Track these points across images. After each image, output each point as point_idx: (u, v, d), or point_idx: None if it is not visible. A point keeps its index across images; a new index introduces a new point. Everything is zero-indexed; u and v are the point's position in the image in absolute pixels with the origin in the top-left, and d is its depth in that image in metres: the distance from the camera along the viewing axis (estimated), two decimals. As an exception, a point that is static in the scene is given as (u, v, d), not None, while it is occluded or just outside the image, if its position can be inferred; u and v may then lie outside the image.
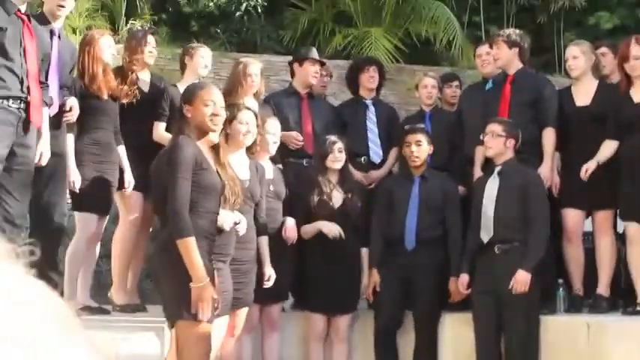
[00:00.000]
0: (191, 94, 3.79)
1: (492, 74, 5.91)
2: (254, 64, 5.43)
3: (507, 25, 9.32)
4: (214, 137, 3.79)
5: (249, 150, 4.57)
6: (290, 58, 6.37)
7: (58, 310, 0.54)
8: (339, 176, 5.22)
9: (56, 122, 4.66)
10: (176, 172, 3.54)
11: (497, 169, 5.07)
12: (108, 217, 5.22)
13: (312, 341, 5.21)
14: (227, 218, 3.79)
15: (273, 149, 4.99)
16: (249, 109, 4.58)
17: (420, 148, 5.33)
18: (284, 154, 5.50)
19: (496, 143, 5.06)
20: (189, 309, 3.51)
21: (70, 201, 5.02)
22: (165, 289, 3.68)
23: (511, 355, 4.91)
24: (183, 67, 5.48)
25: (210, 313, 3.55)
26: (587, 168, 5.14)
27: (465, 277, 5.09)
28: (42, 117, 4.38)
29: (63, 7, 4.80)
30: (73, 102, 4.77)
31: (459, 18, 9.68)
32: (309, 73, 5.81)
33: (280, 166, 5.28)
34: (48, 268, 4.70)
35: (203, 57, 5.42)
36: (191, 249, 3.48)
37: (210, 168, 3.67)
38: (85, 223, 4.96)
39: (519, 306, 4.81)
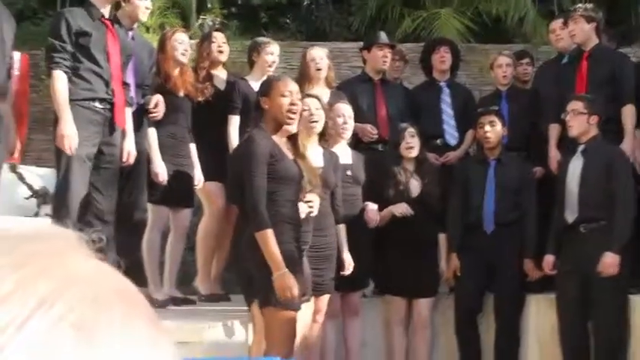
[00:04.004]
0: (268, 87, 3.86)
1: (567, 49, 5.79)
2: (316, 49, 5.45)
3: (581, -2, 9.08)
4: (292, 128, 3.84)
5: (323, 138, 4.59)
6: (360, 44, 6.36)
7: (122, 288, 0.51)
8: (415, 163, 5.20)
9: (135, 120, 4.79)
10: (251, 166, 3.62)
11: (581, 147, 4.95)
12: (191, 209, 5.33)
13: (394, 325, 5.24)
14: (300, 208, 3.84)
15: (347, 134, 4.99)
16: (311, 95, 4.60)
17: (493, 129, 5.27)
18: (359, 139, 5.52)
19: (578, 121, 4.94)
20: (274, 296, 3.60)
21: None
22: (252, 276, 3.75)
23: (599, 338, 4.82)
24: (251, 63, 5.49)
25: (294, 300, 3.62)
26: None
27: (550, 258, 5.02)
28: (125, 117, 4.55)
29: (148, 9, 4.94)
30: (158, 98, 4.89)
31: (531, -7, 9.48)
32: (378, 59, 5.80)
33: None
34: (129, 262, 4.87)
35: (271, 54, 5.40)
36: (269, 240, 3.57)
37: (286, 158, 3.73)
38: (157, 215, 5.06)
39: (607, 287, 4.70)
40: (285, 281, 3.57)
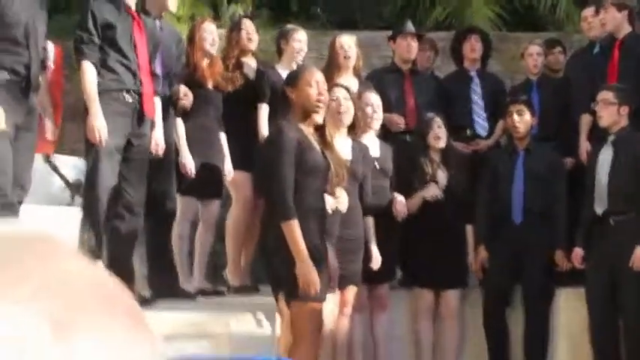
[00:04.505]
0: (294, 77, 3.87)
1: (599, 37, 5.71)
2: (345, 37, 5.42)
3: (616, -16, 8.93)
4: (319, 118, 3.83)
5: (352, 130, 4.59)
6: (390, 33, 6.32)
7: (103, 287, 0.52)
8: (441, 154, 5.18)
9: (163, 111, 4.83)
10: (279, 157, 3.62)
11: (611, 138, 4.90)
12: (220, 200, 5.36)
13: (421, 317, 5.23)
14: (327, 201, 3.84)
15: (376, 124, 4.98)
16: (339, 85, 4.59)
17: (522, 118, 5.23)
18: (387, 129, 5.50)
19: (609, 112, 4.88)
20: (299, 289, 3.61)
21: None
22: (278, 269, 3.77)
23: (629, 333, 4.77)
24: (279, 51, 5.49)
25: (319, 292, 3.63)
26: None
27: (579, 251, 4.97)
28: (154, 107, 4.58)
29: None
30: (185, 89, 4.91)
31: (564, -21, 9.34)
32: (403, 48, 5.76)
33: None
34: (160, 253, 4.94)
35: (300, 41, 5.40)
36: (294, 231, 3.56)
37: (314, 149, 3.72)
38: (186, 207, 5.09)
39: (637, 280, 4.65)
40: (308, 275, 3.58)
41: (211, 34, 5.13)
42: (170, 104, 4.91)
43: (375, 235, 4.70)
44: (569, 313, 5.14)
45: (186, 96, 4.90)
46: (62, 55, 7.96)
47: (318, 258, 3.66)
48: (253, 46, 5.46)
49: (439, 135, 5.13)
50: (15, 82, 4.00)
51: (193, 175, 4.99)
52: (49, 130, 4.47)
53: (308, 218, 3.64)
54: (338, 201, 4.02)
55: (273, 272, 3.86)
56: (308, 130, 3.78)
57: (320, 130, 3.84)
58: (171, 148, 4.89)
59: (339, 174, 3.88)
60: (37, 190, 5.59)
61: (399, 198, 5.01)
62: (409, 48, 5.77)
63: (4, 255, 0.51)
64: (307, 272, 3.57)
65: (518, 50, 6.30)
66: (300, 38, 5.40)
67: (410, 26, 5.90)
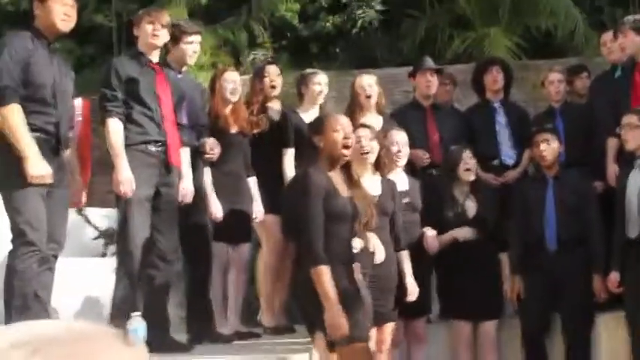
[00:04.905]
0: (320, 124, 3.87)
1: (620, 61, 5.71)
2: (365, 77, 5.50)
3: (633, 6, 8.95)
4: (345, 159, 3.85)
5: (378, 168, 4.61)
6: (411, 68, 6.38)
7: None
8: (470, 185, 5.19)
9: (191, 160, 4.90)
10: (307, 203, 3.63)
11: (639, 161, 4.88)
12: (250, 243, 5.40)
13: (460, 349, 5.19)
14: (355, 243, 3.86)
15: (402, 161, 5.01)
16: (363, 125, 4.63)
17: (549, 147, 5.24)
18: (413, 164, 5.52)
19: (634, 135, 4.88)
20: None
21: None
22: (311, 313, 3.75)
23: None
24: (300, 95, 5.55)
25: (361, 332, 3.61)
26: None
27: (614, 275, 4.93)
28: (180, 156, 4.66)
29: (195, 52, 5.06)
30: (213, 143, 4.98)
31: (581, 4, 9.37)
32: (423, 85, 5.83)
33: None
34: (200, 297, 4.99)
35: (319, 83, 5.47)
36: (323, 277, 3.55)
37: (340, 196, 3.73)
38: (217, 252, 5.12)
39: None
40: (334, 319, 3.54)
41: (232, 83, 5.21)
42: (198, 155, 4.97)
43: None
44: (610, 338, 5.07)
45: (212, 151, 4.97)
46: (90, 109, 8.13)
47: (350, 301, 3.64)
48: (277, 91, 5.54)
49: (470, 167, 5.15)
50: (45, 141, 4.09)
51: (221, 221, 5.03)
52: (78, 183, 4.54)
53: (336, 263, 3.63)
54: (368, 242, 4.02)
55: (306, 315, 3.86)
56: (335, 177, 3.79)
57: (346, 169, 3.85)
58: (201, 195, 4.95)
59: (367, 213, 3.89)
60: (70, 243, 5.67)
61: (430, 233, 5.01)
62: (429, 84, 5.82)
63: (76, 348, 0.63)
64: (334, 317, 3.54)
65: (539, 78, 6.30)
66: (319, 81, 5.48)
67: (429, 62, 5.95)
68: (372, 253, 4.11)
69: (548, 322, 5.18)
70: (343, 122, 3.82)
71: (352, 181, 3.86)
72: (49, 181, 4.00)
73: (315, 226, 3.61)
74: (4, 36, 4.34)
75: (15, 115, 3.96)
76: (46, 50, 4.16)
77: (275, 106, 5.51)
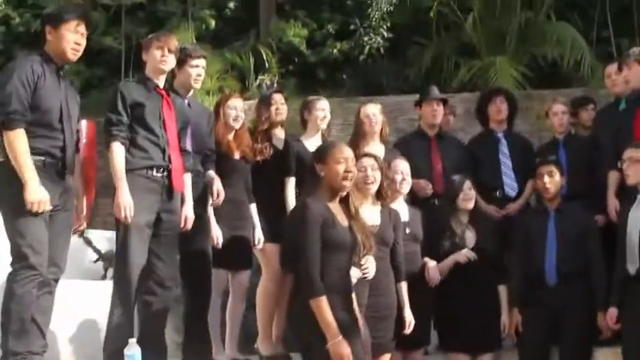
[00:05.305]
0: (323, 153, 3.86)
1: (624, 93, 5.70)
2: (370, 106, 5.51)
3: (639, 37, 8.98)
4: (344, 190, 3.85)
5: (380, 197, 4.61)
6: (416, 96, 6.39)
7: None
8: (470, 215, 5.19)
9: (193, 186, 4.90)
10: (304, 234, 3.63)
11: (640, 196, 4.87)
12: (250, 270, 5.39)
13: (458, 382, 5.15)
14: (353, 273, 3.85)
15: (404, 189, 5.01)
16: (368, 154, 4.64)
17: (552, 180, 5.24)
18: (414, 194, 5.52)
19: (635, 170, 4.87)
20: None
21: None
22: (309, 342, 3.74)
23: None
24: (304, 122, 5.57)
25: None
26: None
27: (613, 311, 4.90)
28: (184, 182, 4.67)
29: (200, 76, 5.08)
30: (218, 186, 4.99)
31: (587, 35, 9.40)
32: (428, 114, 5.85)
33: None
34: (198, 323, 4.97)
35: (322, 109, 5.48)
36: (322, 308, 3.56)
37: (339, 226, 3.73)
38: (216, 279, 5.11)
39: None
40: (340, 350, 3.55)
41: (235, 110, 5.22)
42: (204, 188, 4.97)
43: (408, 299, 4.67)
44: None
45: (218, 198, 4.97)
46: (95, 132, 8.17)
47: (347, 331, 3.63)
48: (281, 118, 5.55)
49: (469, 197, 5.15)
50: (51, 165, 4.12)
51: (222, 247, 5.03)
52: (82, 206, 4.56)
53: (333, 293, 3.63)
54: (364, 270, 4.02)
55: (303, 344, 3.85)
56: (334, 207, 3.79)
57: (345, 199, 3.86)
58: (203, 222, 4.95)
59: (365, 245, 3.88)
60: (71, 265, 5.67)
61: (431, 264, 5.00)
62: (434, 113, 5.84)
63: None
64: (338, 347, 3.55)
65: (543, 108, 6.28)
66: (321, 107, 5.50)
67: (435, 92, 5.97)
68: (369, 282, 4.10)
69: (547, 355, 5.13)
70: (347, 154, 3.81)
71: (350, 213, 3.86)
72: (48, 207, 4.02)
73: (312, 254, 3.61)
74: (14, 57, 4.38)
75: (20, 140, 4.00)
76: (54, 75, 4.21)
77: (279, 134, 5.53)
